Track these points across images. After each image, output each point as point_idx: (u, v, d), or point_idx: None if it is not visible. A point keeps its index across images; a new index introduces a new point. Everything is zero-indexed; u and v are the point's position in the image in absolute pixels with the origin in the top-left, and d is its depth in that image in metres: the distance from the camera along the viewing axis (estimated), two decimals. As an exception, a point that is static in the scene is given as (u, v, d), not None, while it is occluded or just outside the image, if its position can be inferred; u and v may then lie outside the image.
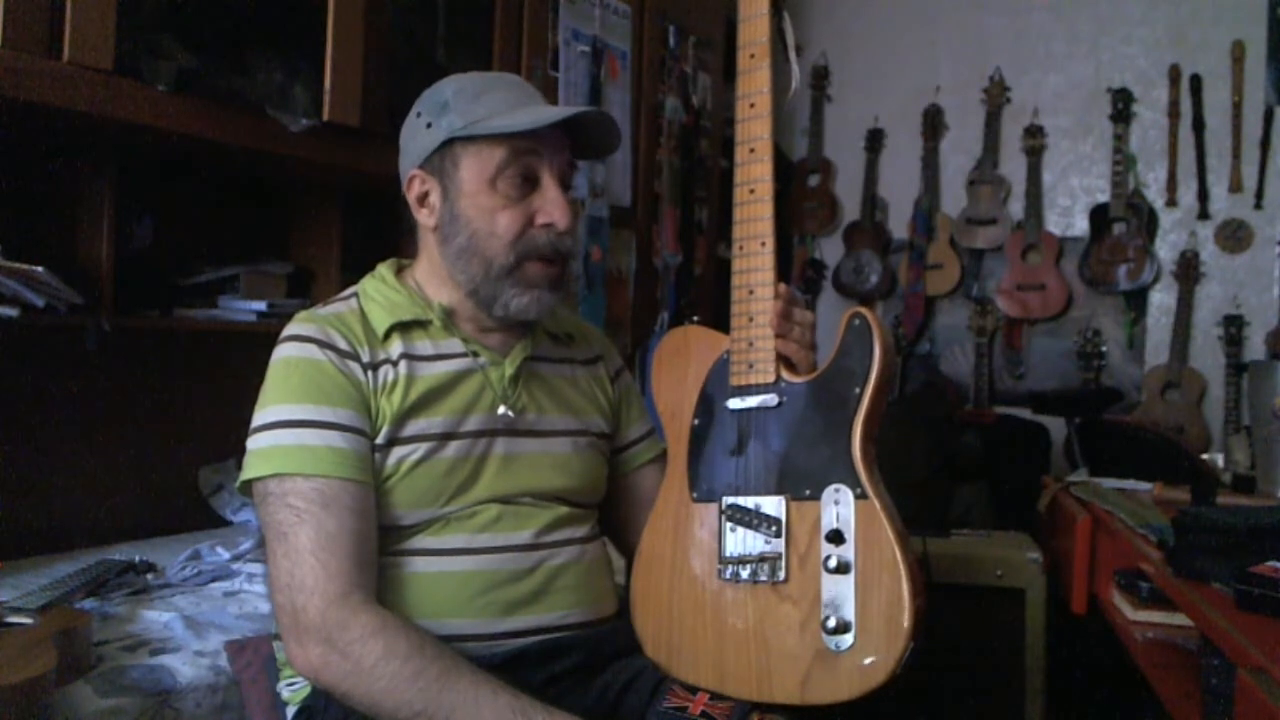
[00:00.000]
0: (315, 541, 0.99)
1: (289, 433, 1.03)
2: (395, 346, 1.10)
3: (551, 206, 1.11)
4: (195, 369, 1.87)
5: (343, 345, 1.08)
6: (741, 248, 1.15)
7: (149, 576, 1.48)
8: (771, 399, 1.12)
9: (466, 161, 1.10)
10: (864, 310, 1.11)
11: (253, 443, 1.05)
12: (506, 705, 0.95)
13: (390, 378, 1.08)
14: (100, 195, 1.59)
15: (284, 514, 1.00)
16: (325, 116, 1.67)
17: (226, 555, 1.61)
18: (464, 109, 1.10)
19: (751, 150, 1.15)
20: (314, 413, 1.04)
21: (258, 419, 1.06)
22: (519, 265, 1.11)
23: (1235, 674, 1.02)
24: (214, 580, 1.52)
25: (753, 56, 1.16)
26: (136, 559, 1.50)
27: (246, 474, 1.04)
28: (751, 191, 1.15)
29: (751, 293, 1.14)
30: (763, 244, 1.14)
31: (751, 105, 1.15)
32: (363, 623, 0.97)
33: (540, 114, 1.09)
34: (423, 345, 1.12)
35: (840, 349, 1.11)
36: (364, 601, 0.99)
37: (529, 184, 1.11)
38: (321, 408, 1.04)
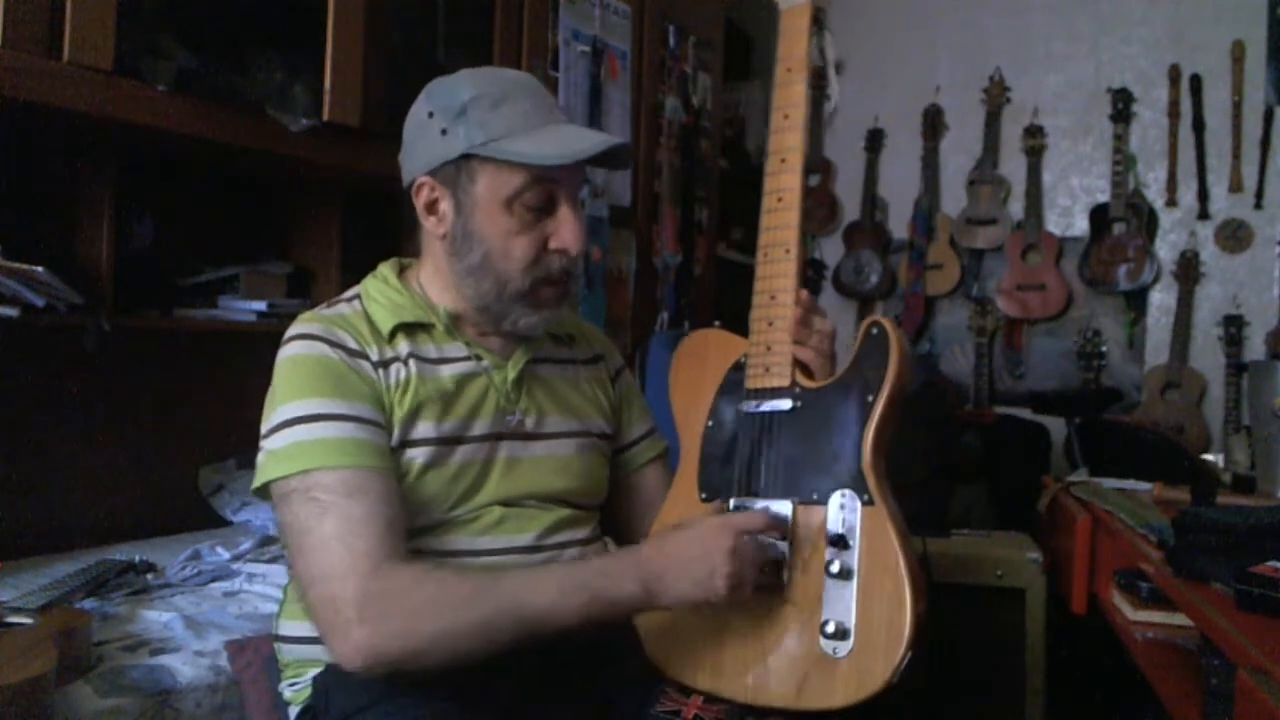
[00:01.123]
0: (341, 528, 0.96)
1: (305, 428, 1.01)
2: (402, 346, 1.10)
3: (567, 232, 1.10)
4: (195, 369, 1.87)
5: (351, 344, 1.07)
6: (766, 254, 1.17)
7: (149, 576, 1.47)
8: (785, 403, 1.13)
9: (484, 179, 1.08)
10: (883, 320, 1.11)
11: (269, 444, 1.03)
12: (559, 571, 1.00)
13: (401, 376, 1.08)
14: (100, 195, 1.59)
15: (308, 508, 0.98)
16: (325, 116, 1.67)
17: (226, 555, 1.61)
18: (483, 119, 1.07)
19: (783, 160, 1.17)
20: (329, 406, 1.02)
21: (271, 420, 1.03)
22: (532, 289, 1.11)
23: (1235, 674, 1.02)
24: (214, 580, 1.52)
25: (790, 70, 1.18)
26: (136, 559, 1.50)
27: (266, 475, 1.02)
28: (780, 200, 1.17)
29: (773, 298, 1.15)
30: (787, 250, 1.15)
31: (786, 116, 1.18)
32: (403, 581, 0.95)
33: (567, 147, 1.07)
34: (427, 348, 1.12)
35: (857, 357, 1.11)
36: (398, 565, 0.97)
37: (545, 207, 1.10)
38: (336, 401, 1.02)
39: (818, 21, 1.20)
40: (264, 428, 1.05)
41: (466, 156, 1.08)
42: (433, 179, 1.11)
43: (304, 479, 0.99)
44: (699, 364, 1.23)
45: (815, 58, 1.20)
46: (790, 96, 1.18)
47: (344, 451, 1.00)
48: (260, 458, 1.04)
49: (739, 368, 1.19)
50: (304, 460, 0.99)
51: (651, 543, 1.08)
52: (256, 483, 1.04)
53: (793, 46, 1.18)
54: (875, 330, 1.11)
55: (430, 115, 1.10)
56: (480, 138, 1.06)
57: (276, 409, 1.04)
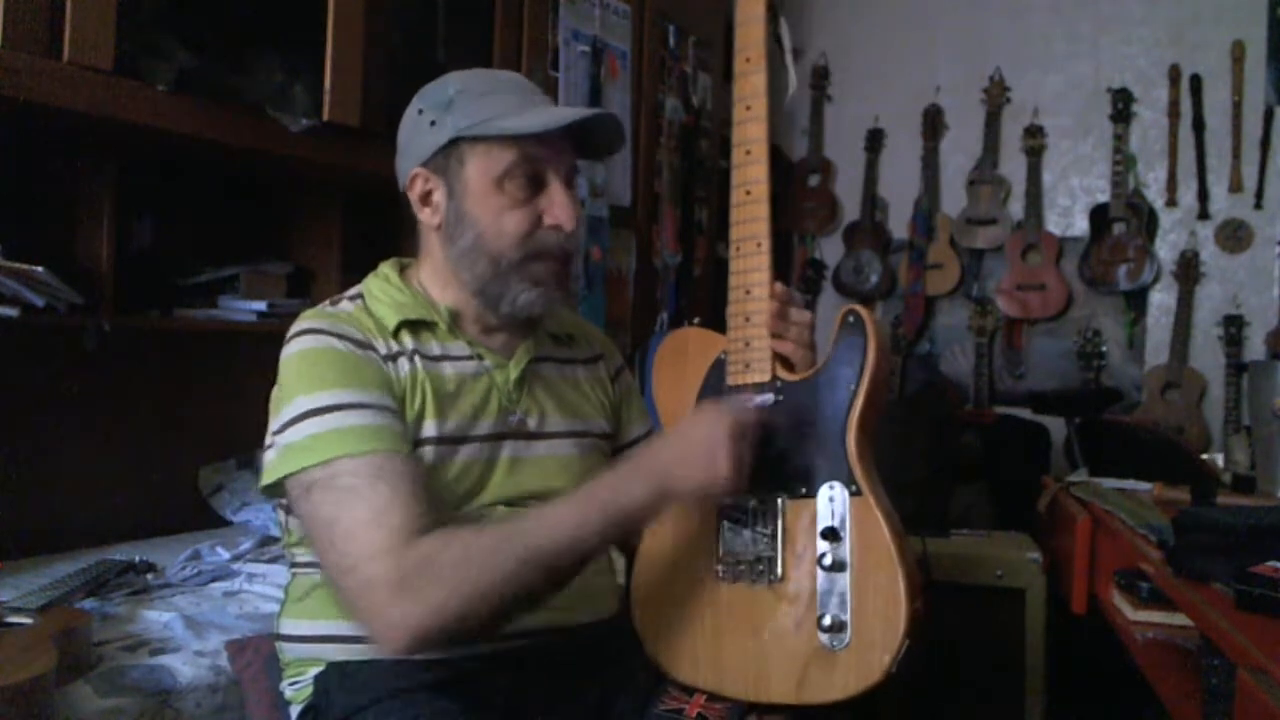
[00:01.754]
0: (370, 512, 0.95)
1: (320, 420, 1.00)
2: (406, 342, 1.10)
3: (559, 209, 1.10)
4: (195, 369, 1.87)
5: (358, 336, 1.07)
6: (738, 249, 1.16)
7: (149, 576, 1.48)
8: (768, 398, 1.12)
9: (473, 161, 1.09)
10: (858, 307, 1.11)
11: (283, 438, 1.01)
12: (571, 501, 0.99)
13: (407, 370, 1.08)
14: (100, 195, 1.59)
15: (333, 497, 0.97)
16: (325, 116, 1.67)
17: (226, 555, 1.61)
18: (470, 108, 1.08)
19: (748, 152, 1.16)
20: (343, 396, 1.01)
21: (284, 415, 1.02)
22: (526, 262, 1.11)
23: (1235, 674, 1.02)
24: (214, 580, 1.52)
25: (749, 60, 1.16)
26: (136, 559, 1.50)
27: (284, 469, 1.00)
28: (748, 193, 1.16)
29: (748, 293, 1.14)
30: (759, 244, 1.14)
31: (748, 108, 1.16)
32: (428, 551, 0.94)
33: (550, 116, 1.09)
34: (430, 345, 1.12)
35: (835, 347, 1.11)
36: (424, 536, 0.96)
37: (536, 185, 1.10)
38: (350, 390, 1.02)
39: (772, 8, 1.17)
40: (275, 424, 1.04)
41: (455, 141, 1.09)
42: (425, 169, 1.12)
43: (326, 469, 0.98)
44: (680, 363, 1.23)
45: (773, 45, 1.17)
46: (750, 87, 1.16)
47: (363, 439, 0.99)
48: (271, 454, 1.03)
49: (720, 364, 1.18)
50: (324, 451, 0.98)
51: (649, 444, 1.09)
52: (271, 478, 1.02)
53: (750, 34, 1.16)
54: (852, 318, 1.10)
55: (420, 112, 1.12)
56: (466, 122, 1.08)
57: (289, 403, 1.02)
